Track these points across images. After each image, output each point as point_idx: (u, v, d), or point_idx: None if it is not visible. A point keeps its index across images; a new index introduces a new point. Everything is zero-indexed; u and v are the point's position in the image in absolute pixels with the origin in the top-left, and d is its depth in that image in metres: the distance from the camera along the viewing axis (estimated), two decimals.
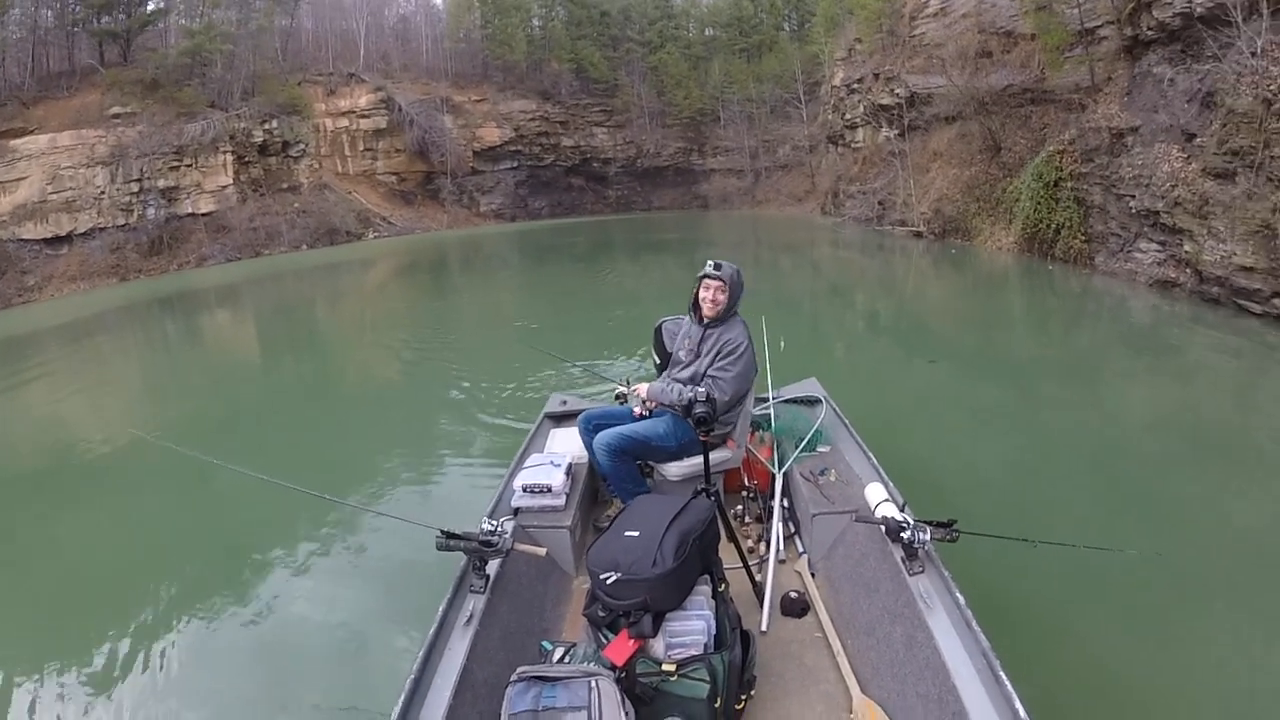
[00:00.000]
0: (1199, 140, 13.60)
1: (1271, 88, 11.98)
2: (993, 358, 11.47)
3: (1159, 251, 14.40)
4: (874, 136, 36.86)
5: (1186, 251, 13.31)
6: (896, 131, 32.57)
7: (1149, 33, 16.04)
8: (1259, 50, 12.65)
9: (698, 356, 4.33)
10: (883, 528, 3.54)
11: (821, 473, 4.55)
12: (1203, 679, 4.09)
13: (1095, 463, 7.14)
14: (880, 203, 31.50)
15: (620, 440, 4.33)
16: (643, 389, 4.50)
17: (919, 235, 26.16)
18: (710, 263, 4.30)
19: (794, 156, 53.38)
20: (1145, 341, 11.90)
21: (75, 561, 7.02)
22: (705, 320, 4.37)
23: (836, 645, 3.49)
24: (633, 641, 2.99)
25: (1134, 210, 15.00)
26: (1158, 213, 14.17)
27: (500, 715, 2.68)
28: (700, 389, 3.83)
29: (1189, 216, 13.26)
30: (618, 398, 4.79)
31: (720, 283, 4.26)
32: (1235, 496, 6.25)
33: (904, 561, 3.41)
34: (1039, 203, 18.48)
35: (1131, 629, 4.46)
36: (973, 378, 10.41)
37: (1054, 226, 17.97)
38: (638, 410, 4.54)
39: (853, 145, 40.11)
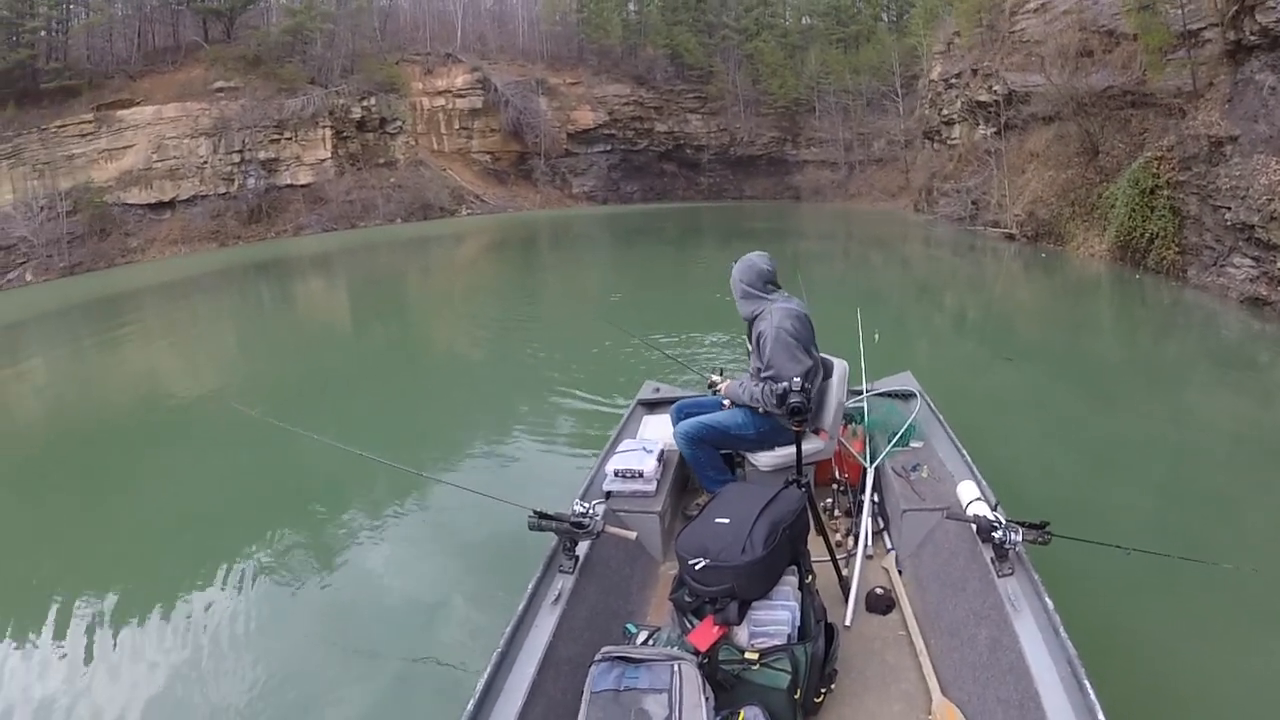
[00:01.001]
0: None
1: None
2: (1078, 363, 11.20)
3: (1252, 267, 13.62)
4: (970, 134, 35.97)
5: None
6: (993, 129, 31.68)
7: (1252, 38, 15.11)
8: None
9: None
10: (974, 527, 3.49)
11: (914, 468, 4.50)
12: None
13: (1179, 473, 6.98)
14: (974, 202, 30.76)
15: (699, 429, 4.38)
16: (724, 387, 4.54)
17: (1011, 238, 25.44)
18: None
19: (888, 151, 52.34)
20: (1232, 358, 11.47)
21: (160, 514, 7.29)
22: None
23: (919, 644, 3.45)
24: (717, 628, 3.00)
25: (1229, 223, 14.25)
26: (1253, 226, 13.47)
27: (583, 692, 2.72)
28: (796, 379, 3.81)
29: None
30: (710, 386, 4.80)
31: None
32: None
33: (993, 562, 3.36)
34: (1134, 210, 17.64)
35: (1224, 646, 4.29)
36: (1058, 380, 10.21)
37: (1148, 236, 17.17)
38: (727, 401, 4.55)
39: (948, 142, 39.22)
